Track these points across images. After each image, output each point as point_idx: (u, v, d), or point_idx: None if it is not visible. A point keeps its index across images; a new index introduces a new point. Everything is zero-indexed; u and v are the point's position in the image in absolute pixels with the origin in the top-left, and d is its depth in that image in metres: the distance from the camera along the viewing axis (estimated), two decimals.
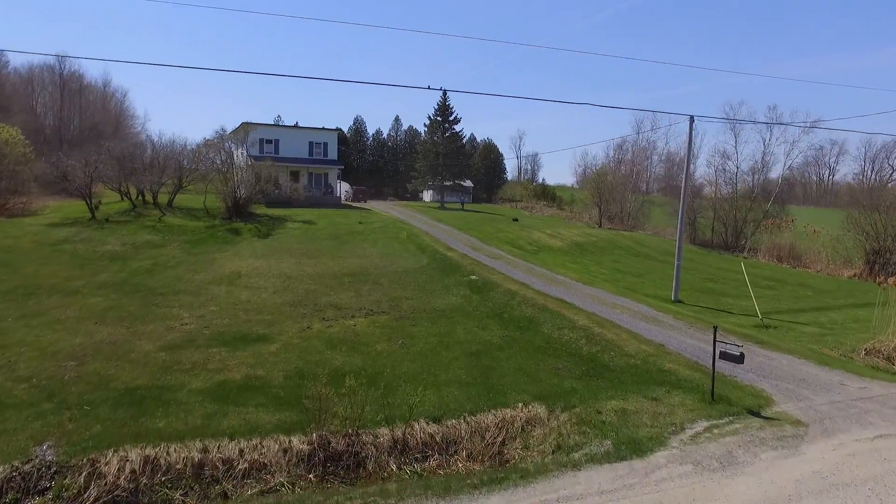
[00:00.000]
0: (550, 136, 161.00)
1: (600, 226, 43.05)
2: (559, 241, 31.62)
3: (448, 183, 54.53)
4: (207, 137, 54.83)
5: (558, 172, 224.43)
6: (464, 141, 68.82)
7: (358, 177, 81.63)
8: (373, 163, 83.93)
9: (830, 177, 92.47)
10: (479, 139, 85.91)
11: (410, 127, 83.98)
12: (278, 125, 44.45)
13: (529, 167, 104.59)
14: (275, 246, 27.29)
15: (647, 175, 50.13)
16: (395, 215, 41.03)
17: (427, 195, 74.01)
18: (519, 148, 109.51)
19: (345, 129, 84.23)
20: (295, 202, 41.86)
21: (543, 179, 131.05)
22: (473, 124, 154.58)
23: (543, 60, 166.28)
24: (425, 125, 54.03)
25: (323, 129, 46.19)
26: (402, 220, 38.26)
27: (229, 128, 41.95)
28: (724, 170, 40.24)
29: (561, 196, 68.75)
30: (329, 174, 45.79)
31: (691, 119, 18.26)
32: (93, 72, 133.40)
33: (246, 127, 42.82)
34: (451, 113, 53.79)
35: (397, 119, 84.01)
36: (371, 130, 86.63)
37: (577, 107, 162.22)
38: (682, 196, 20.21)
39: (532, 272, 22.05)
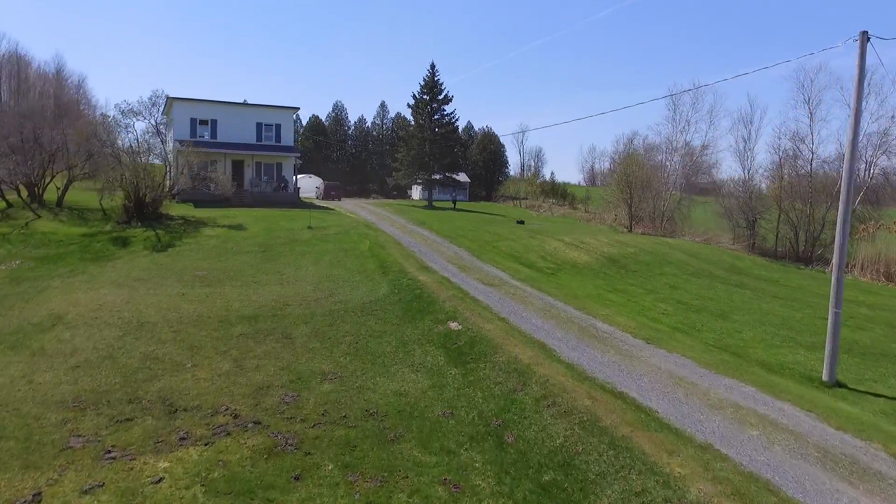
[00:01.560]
0: (554, 133, 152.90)
1: (630, 229, 34.83)
2: (584, 252, 23.34)
3: (437, 177, 46.20)
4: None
5: (563, 170, 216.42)
6: (458, 128, 60.74)
7: (337, 171, 73.50)
8: (355, 155, 75.82)
9: None
10: (476, 128, 77.74)
11: (399, 114, 75.74)
12: (216, 101, 36.04)
13: (533, 163, 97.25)
14: (165, 265, 19.01)
15: (666, 171, 41.67)
16: (364, 217, 32.79)
17: (416, 192, 65.82)
18: (521, 143, 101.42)
19: (322, 117, 76.01)
20: (236, 200, 33.57)
21: (553, 173, 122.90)
22: (472, 119, 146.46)
23: (546, 58, 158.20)
24: (409, 105, 45.80)
25: (276, 106, 37.87)
26: (371, 222, 30.03)
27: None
28: (796, 156, 32.01)
29: (573, 193, 60.53)
30: (283, 164, 37.46)
31: (864, 36, 9.94)
32: (43, 55, 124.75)
33: (171, 102, 34.46)
34: (441, 90, 45.52)
35: (383, 105, 75.91)
36: (353, 118, 78.56)
37: (582, 100, 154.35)
38: (844, 180, 11.69)
39: (554, 314, 13.78)
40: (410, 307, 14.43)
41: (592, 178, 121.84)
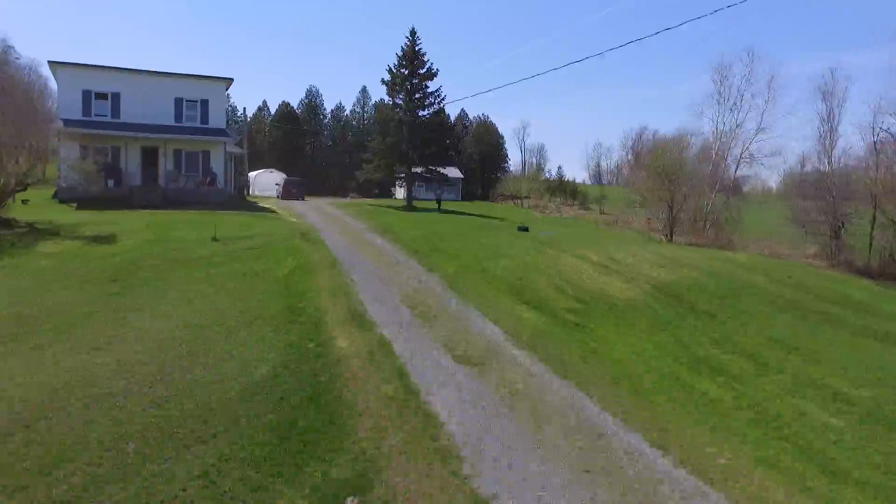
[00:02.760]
0: (557, 129, 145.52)
1: (670, 238, 27.08)
2: (621, 278, 15.54)
3: (419, 170, 38.38)
4: None
5: (567, 168, 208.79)
6: (447, 113, 53.11)
7: (312, 166, 65.81)
8: (332, 147, 68.08)
9: None
10: (471, 116, 70.04)
11: (381, 100, 67.90)
12: (118, 68, 28.20)
13: (535, 161, 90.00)
14: None
15: (711, 162, 33.85)
16: (311, 221, 25.05)
17: (402, 191, 58.06)
18: (523, 139, 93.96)
19: (294, 104, 68.23)
20: (140, 199, 25.76)
21: (560, 168, 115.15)
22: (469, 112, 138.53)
23: (549, 56, 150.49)
24: (383, 82, 37.98)
25: (201, 76, 30.10)
26: (316, 230, 22.36)
27: None
28: None
29: (584, 192, 52.81)
30: (212, 152, 29.63)
31: None
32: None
33: (54, 68, 26.66)
34: (424, 62, 37.75)
35: (364, 91, 68.19)
36: (330, 105, 70.89)
37: (587, 93, 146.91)
38: None
39: (619, 483, 5.97)
40: (291, 431, 6.72)
41: (598, 175, 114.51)
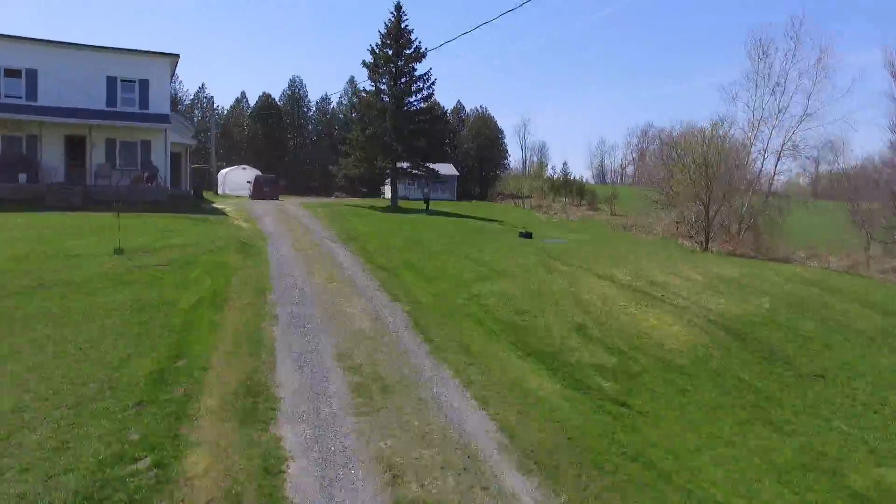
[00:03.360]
0: (559, 126, 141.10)
1: (706, 246, 22.52)
2: (667, 310, 11.04)
3: (404, 166, 33.83)
4: None
5: (569, 166, 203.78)
6: (440, 103, 48.79)
7: (295, 163, 61.32)
8: (316, 142, 63.56)
9: None
10: (468, 109, 65.41)
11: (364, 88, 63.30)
12: (35, 40, 23.65)
13: (536, 159, 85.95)
14: None
15: (749, 155, 29.30)
16: (264, 227, 20.53)
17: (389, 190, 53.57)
18: (523, 137, 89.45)
19: (275, 96, 63.61)
20: (56, 198, 21.22)
21: (566, 164, 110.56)
22: (466, 104, 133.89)
23: (553, 54, 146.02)
24: (364, 64, 33.42)
25: (139, 52, 25.54)
26: (265, 238, 17.86)
27: None
28: None
29: (593, 191, 48.26)
30: (153, 142, 25.05)
31: None
32: None
33: None
34: (411, 42, 33.21)
35: (352, 81, 63.52)
36: (315, 97, 66.48)
37: (594, 85, 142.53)
38: None
39: None
40: None
41: (602, 174, 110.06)
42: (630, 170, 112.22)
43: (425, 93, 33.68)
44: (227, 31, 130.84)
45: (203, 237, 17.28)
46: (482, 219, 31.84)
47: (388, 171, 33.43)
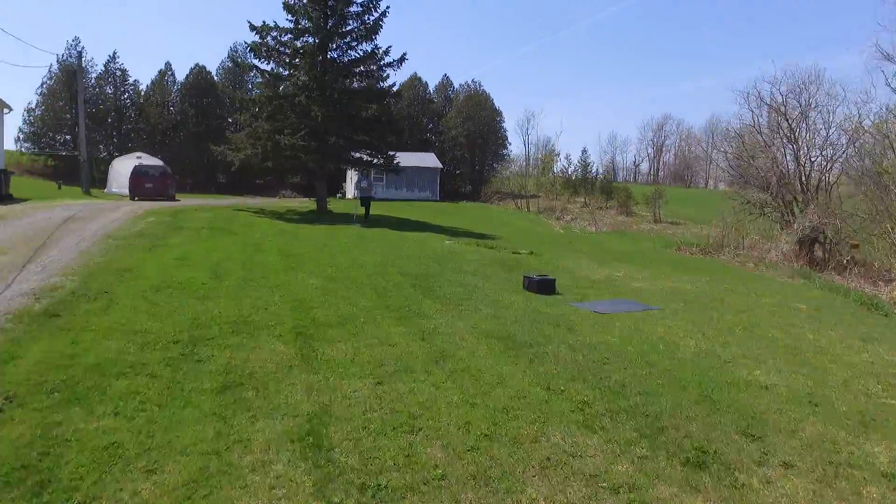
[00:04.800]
0: (565, 121, 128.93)
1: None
2: None
3: (358, 156, 21.58)
4: None
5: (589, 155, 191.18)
6: (402, 71, 36.80)
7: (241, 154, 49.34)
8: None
9: None
10: (457, 85, 53.05)
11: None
12: None
13: (544, 151, 73.28)
14: None
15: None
16: None
17: (351, 186, 41.25)
18: (527, 133, 77.54)
19: (211, 68, 51.34)
20: None
21: (585, 151, 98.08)
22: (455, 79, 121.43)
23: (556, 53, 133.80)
24: (286, 4, 21.16)
25: None
26: None
27: None
28: None
29: (626, 189, 35.89)
30: None
31: None
32: None
33: None
34: None
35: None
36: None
37: (602, 81, 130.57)
38: None
39: None
40: None
41: (614, 172, 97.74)
42: (644, 166, 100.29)
43: (368, 47, 21.40)
44: None
45: None
46: (463, 233, 19.56)
47: (308, 157, 21.00)
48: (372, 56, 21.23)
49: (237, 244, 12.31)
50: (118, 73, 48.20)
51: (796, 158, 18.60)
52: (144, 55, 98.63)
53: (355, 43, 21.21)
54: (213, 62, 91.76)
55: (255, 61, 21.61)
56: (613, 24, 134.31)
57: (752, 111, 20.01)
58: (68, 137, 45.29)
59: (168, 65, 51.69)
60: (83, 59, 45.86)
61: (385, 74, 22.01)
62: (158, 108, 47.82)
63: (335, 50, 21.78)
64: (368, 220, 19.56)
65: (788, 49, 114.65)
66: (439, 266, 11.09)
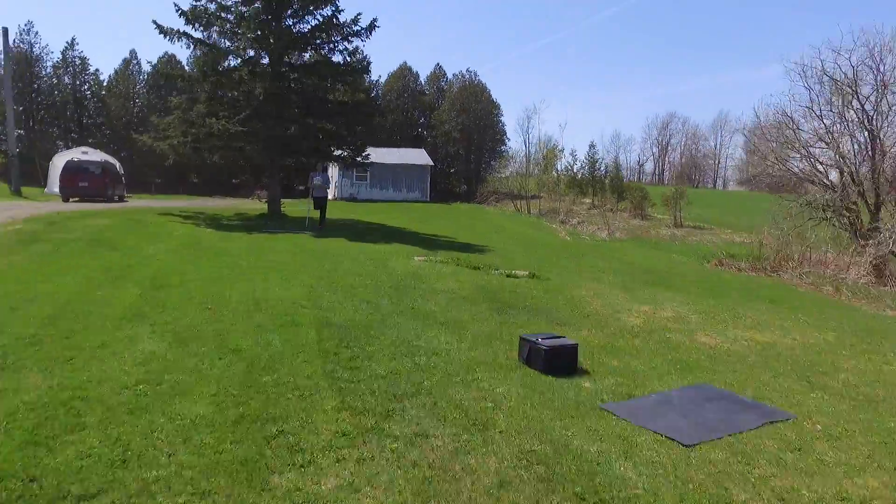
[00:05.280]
0: (566, 120, 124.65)
1: None
2: None
3: (316, 146, 17.61)
4: None
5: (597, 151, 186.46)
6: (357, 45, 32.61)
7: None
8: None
9: None
10: (450, 75, 48.98)
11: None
12: None
13: (542, 156, 69.26)
14: None
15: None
16: None
17: (333, 184, 37.32)
18: (527, 131, 73.37)
19: (182, 57, 47.51)
20: None
21: (593, 145, 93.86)
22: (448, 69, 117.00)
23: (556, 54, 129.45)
24: None
25: None
26: None
27: None
28: None
29: (641, 189, 31.92)
30: None
31: None
32: None
33: None
34: None
35: None
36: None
37: (604, 78, 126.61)
38: None
39: None
40: None
41: (617, 172, 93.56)
42: (649, 166, 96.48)
43: (327, 11, 17.44)
44: None
45: None
46: (445, 243, 15.61)
47: (252, 147, 17.08)
48: (333, 24, 17.26)
49: (99, 268, 8.35)
50: (77, 61, 44.22)
51: (870, 148, 14.68)
52: (107, 41, 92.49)
53: (312, 6, 17.21)
54: (185, 51, 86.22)
55: (187, 28, 17.64)
56: (613, 23, 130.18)
57: (810, 88, 16.02)
58: (22, 133, 41.34)
59: (133, 52, 47.63)
60: (36, 46, 42.09)
61: (353, 47, 18.05)
62: (122, 101, 43.82)
63: (291, 17, 17.87)
64: (324, 227, 15.53)
65: (797, 45, 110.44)
66: (391, 303, 7.12)
